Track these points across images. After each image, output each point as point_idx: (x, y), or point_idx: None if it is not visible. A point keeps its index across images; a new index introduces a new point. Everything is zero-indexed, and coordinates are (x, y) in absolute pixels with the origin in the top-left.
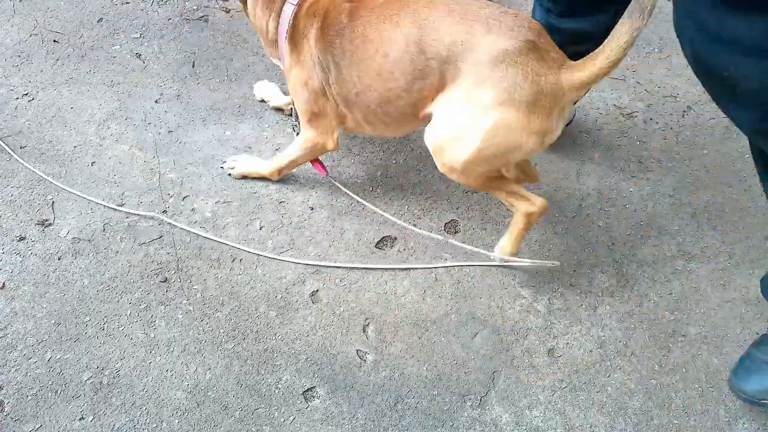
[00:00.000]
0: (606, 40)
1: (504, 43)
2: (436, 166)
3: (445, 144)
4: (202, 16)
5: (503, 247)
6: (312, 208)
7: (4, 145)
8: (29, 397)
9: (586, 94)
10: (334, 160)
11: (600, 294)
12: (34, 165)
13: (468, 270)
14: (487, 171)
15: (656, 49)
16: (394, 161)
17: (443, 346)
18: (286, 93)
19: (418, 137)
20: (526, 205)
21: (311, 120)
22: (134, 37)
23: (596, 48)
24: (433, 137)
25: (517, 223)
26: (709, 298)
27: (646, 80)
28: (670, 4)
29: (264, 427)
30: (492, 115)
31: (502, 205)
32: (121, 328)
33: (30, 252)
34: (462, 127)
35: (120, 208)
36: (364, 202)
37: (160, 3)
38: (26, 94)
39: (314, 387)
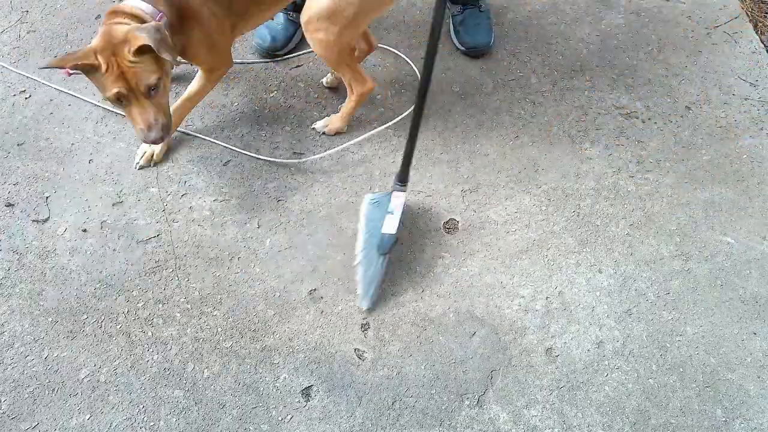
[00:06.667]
0: None
1: None
2: (435, 166)
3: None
4: None
5: (333, 122)
6: (310, 207)
7: None
8: (26, 395)
9: (586, 95)
10: (333, 160)
11: (598, 293)
12: (31, 162)
13: (467, 269)
14: (348, 35)
15: (655, 49)
16: (392, 161)
17: (441, 345)
18: None
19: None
20: (362, 86)
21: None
22: None
23: None
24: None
25: (351, 101)
26: (706, 297)
27: (645, 80)
28: (669, 5)
29: (262, 426)
30: None
31: (500, 204)
32: (118, 326)
33: (27, 250)
34: None
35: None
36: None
37: None
38: (23, 91)
39: (312, 385)
